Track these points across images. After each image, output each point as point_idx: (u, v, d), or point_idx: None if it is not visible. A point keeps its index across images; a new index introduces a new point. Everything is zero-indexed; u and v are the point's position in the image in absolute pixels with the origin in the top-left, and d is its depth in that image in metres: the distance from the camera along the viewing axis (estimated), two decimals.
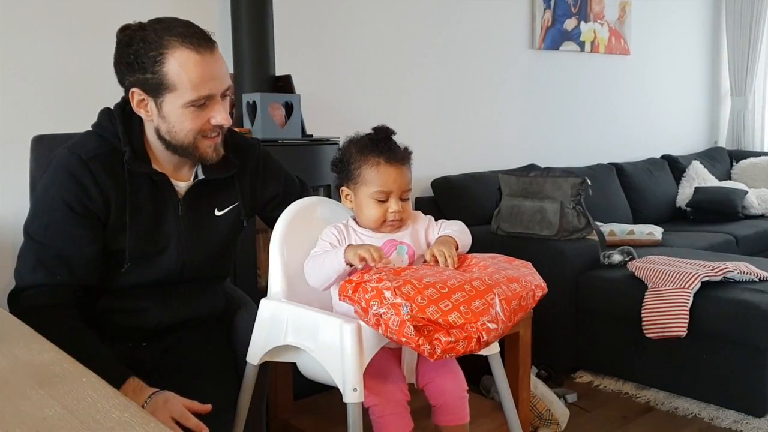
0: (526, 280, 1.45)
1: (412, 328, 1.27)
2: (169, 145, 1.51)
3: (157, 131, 1.50)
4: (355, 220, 1.61)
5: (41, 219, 1.48)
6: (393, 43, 3.52)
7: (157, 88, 1.44)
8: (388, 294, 1.30)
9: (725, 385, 2.70)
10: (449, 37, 3.77)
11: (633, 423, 2.69)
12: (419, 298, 1.29)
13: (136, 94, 1.47)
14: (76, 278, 1.48)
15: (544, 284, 1.50)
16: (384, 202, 1.53)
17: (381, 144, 1.54)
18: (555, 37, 4.33)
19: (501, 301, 1.34)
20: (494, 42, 4.03)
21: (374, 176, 1.53)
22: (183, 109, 1.45)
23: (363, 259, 1.42)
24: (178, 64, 1.42)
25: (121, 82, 1.50)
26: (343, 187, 1.60)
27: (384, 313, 1.29)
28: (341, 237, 1.56)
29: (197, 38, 1.45)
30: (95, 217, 1.48)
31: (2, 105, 2.36)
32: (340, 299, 1.40)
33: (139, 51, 1.43)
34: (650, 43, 5.07)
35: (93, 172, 1.47)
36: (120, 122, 1.52)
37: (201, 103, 1.46)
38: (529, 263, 1.56)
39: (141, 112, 1.49)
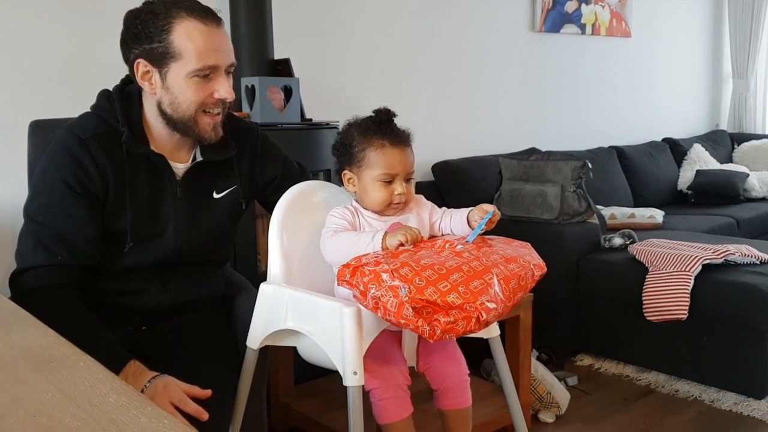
0: (524, 259, 1.43)
1: (410, 309, 1.26)
2: (170, 120, 1.51)
3: (159, 104, 1.50)
4: (357, 203, 1.60)
5: (40, 199, 1.48)
6: (392, 26, 3.49)
7: (162, 58, 1.45)
8: (385, 277, 1.29)
9: (726, 368, 2.71)
10: (449, 20, 3.75)
11: (633, 405, 2.69)
12: (417, 279, 1.29)
13: (141, 66, 1.47)
14: (76, 259, 1.47)
15: (542, 263, 1.49)
16: (389, 184, 1.53)
17: (384, 126, 1.54)
18: (556, 20, 4.30)
19: (499, 280, 1.33)
20: (494, 25, 4.00)
21: (379, 159, 1.52)
22: (187, 79, 1.46)
23: (401, 244, 1.41)
24: (185, 33, 1.44)
25: (126, 57, 1.50)
26: (346, 171, 1.58)
27: (382, 295, 1.28)
28: (353, 219, 1.55)
29: (204, 11, 1.48)
30: (94, 197, 1.48)
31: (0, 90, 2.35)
32: (338, 284, 1.40)
33: (146, 22, 1.44)
34: (651, 25, 5.03)
35: (91, 152, 1.47)
36: (119, 103, 1.53)
37: (206, 74, 1.47)
38: (528, 244, 1.55)
39: (145, 85, 1.49)
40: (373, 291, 1.30)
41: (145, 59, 1.46)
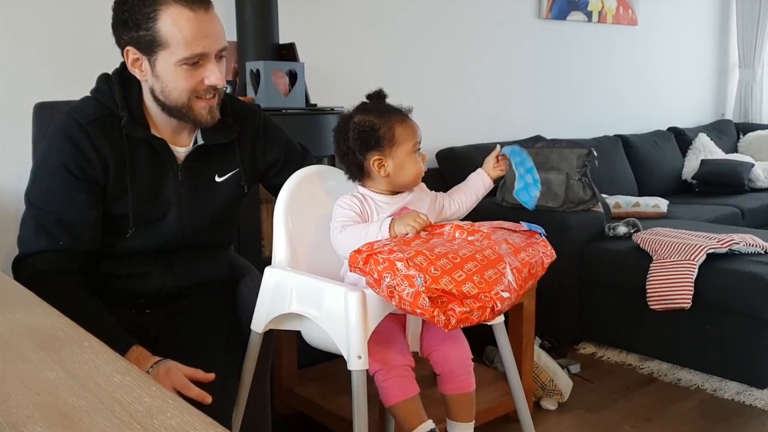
0: (533, 248, 1.43)
1: (427, 299, 1.25)
2: (165, 107, 1.49)
3: (152, 92, 1.49)
4: (363, 188, 1.59)
5: (41, 184, 1.48)
6: (398, 12, 3.47)
7: (150, 46, 1.42)
8: (400, 265, 1.28)
9: (728, 357, 2.71)
10: (455, 6, 3.72)
11: (636, 394, 2.69)
12: (432, 269, 1.27)
13: (131, 53, 1.45)
14: (78, 243, 1.47)
15: (552, 252, 1.48)
16: (416, 152, 1.56)
17: (389, 104, 1.57)
18: (562, 7, 4.28)
19: (512, 269, 1.33)
20: (501, 11, 3.97)
21: (408, 131, 1.54)
22: (176, 67, 1.43)
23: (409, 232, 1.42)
24: (171, 21, 1.40)
25: (118, 42, 1.48)
26: (375, 158, 1.53)
27: (397, 284, 1.27)
28: (362, 206, 1.55)
29: None
30: (94, 182, 1.47)
31: (4, 72, 2.34)
32: (351, 270, 1.38)
33: (133, 8, 1.42)
34: (658, 13, 5.00)
35: (91, 137, 1.46)
36: (118, 87, 1.51)
37: (194, 62, 1.44)
38: (536, 233, 1.54)
39: (136, 72, 1.48)
40: (388, 280, 1.28)
41: (134, 47, 1.44)
